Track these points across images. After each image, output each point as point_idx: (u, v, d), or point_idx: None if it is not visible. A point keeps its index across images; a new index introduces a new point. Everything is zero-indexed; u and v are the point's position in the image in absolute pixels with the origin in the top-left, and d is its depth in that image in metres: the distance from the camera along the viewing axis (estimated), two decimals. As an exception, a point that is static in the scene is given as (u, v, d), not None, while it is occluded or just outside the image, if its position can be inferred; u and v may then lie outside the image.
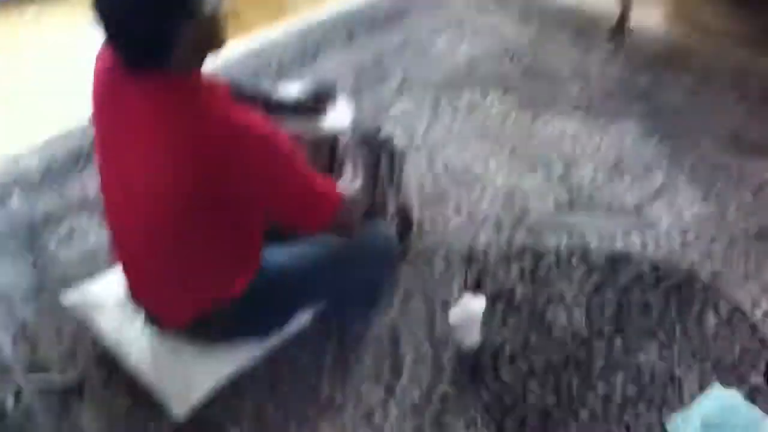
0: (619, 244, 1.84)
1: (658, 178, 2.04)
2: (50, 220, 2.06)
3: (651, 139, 2.17)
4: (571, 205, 1.98)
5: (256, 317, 1.54)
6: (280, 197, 1.35)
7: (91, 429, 1.51)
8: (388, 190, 1.75)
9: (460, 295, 1.64)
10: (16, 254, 1.96)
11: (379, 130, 1.75)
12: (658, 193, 1.98)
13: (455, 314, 1.59)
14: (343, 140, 1.67)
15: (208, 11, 1.24)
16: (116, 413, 1.54)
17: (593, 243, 1.84)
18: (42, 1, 3.29)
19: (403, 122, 2.35)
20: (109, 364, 1.62)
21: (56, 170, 2.26)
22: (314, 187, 1.35)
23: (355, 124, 1.76)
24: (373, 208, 1.71)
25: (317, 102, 1.77)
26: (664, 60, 2.53)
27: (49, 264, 1.92)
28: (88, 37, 1.30)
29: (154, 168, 1.28)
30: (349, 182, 1.48)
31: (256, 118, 1.29)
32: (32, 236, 2.01)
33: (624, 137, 2.19)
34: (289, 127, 1.67)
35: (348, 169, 1.53)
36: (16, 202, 2.15)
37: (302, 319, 1.65)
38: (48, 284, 1.85)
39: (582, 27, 2.77)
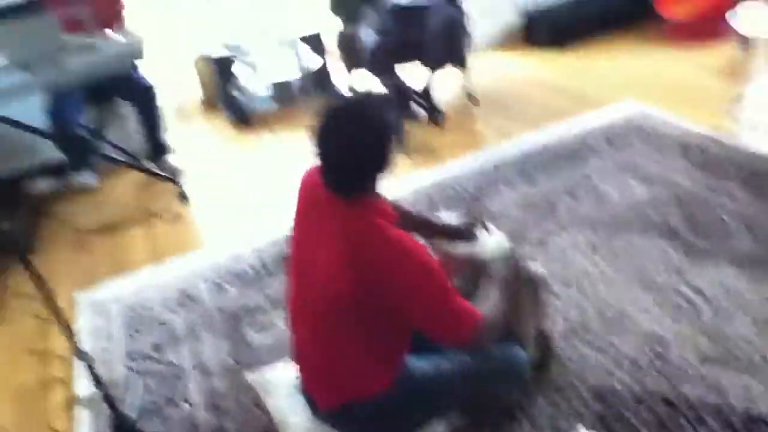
0: (762, 407, 1.82)
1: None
2: (253, 311, 2.51)
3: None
4: (715, 357, 1.98)
5: (393, 416, 1.77)
6: (422, 310, 1.59)
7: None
8: (529, 316, 1.92)
9: (574, 427, 1.74)
10: (221, 335, 2.42)
11: (525, 259, 1.92)
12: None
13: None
14: (492, 266, 1.88)
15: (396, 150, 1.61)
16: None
17: (732, 401, 1.84)
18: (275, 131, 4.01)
19: (561, 258, 2.52)
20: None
21: (265, 271, 2.74)
22: (454, 306, 1.58)
23: (506, 253, 1.98)
24: (512, 332, 1.91)
25: (472, 228, 2.04)
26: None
27: (244, 347, 2.34)
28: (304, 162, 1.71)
29: (329, 267, 1.60)
30: (491, 306, 1.68)
31: (411, 239, 1.60)
32: (236, 322, 2.46)
33: (784, 294, 2.16)
34: (445, 249, 1.96)
35: (491, 293, 1.73)
36: (232, 292, 2.64)
37: (436, 427, 1.86)
38: (240, 364, 2.26)
39: (757, 176, 2.77)
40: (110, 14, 3.43)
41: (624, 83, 3.87)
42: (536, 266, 2.00)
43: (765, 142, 3.01)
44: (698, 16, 4.17)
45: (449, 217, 2.09)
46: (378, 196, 1.67)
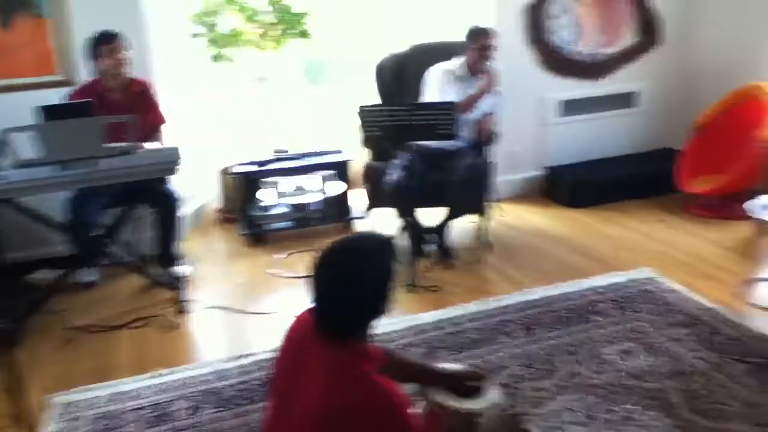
0: None
1: None
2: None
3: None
4: None
5: None
6: None
7: None
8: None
9: None
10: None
11: (520, 418, 1.85)
12: None
13: None
14: (483, 421, 1.83)
15: (393, 297, 1.59)
16: None
17: None
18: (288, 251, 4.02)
19: (555, 422, 2.40)
20: None
21: (248, 396, 2.64)
22: None
23: (499, 410, 1.92)
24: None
25: (469, 380, 1.98)
26: None
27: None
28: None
29: (306, 410, 1.55)
30: None
31: (393, 387, 1.56)
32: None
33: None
34: (437, 400, 1.91)
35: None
36: (208, 414, 2.54)
37: None
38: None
39: (764, 360, 2.67)
40: (151, 128, 3.59)
41: (640, 250, 3.87)
42: (531, 427, 1.92)
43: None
44: (718, 193, 4.22)
45: (450, 368, 2.05)
46: (368, 339, 1.64)
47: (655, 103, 5.11)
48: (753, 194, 3.56)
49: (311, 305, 1.61)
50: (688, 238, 4.02)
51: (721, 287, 3.33)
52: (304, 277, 3.62)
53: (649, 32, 4.94)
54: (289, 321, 1.77)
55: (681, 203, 4.46)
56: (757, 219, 3.33)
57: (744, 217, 3.76)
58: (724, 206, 4.16)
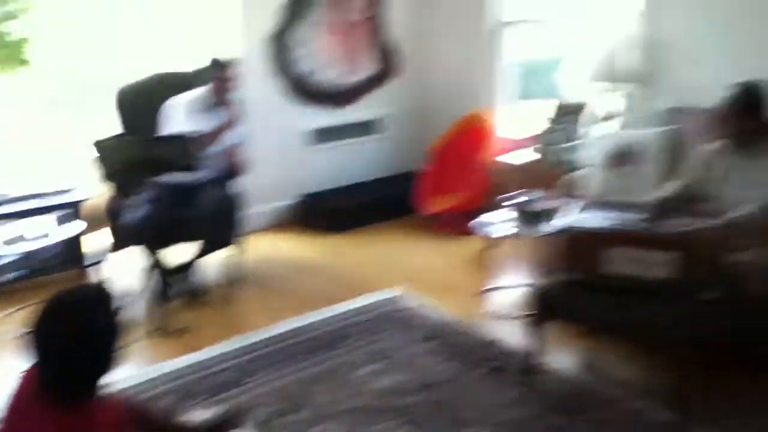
0: None
1: None
2: None
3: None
4: None
5: None
6: None
7: None
8: None
9: None
10: None
11: None
12: None
13: None
14: None
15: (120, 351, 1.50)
16: None
17: None
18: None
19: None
20: None
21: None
22: None
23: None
24: None
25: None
26: (567, 405, 2.62)
27: None
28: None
29: None
30: None
31: None
32: None
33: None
34: None
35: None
36: None
37: None
38: None
39: (499, 364, 2.92)
40: None
41: (390, 271, 4.04)
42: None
43: (507, 331, 3.20)
44: (454, 211, 4.56)
45: (202, 416, 1.95)
46: (101, 398, 1.52)
47: (397, 129, 5.42)
48: (482, 211, 3.90)
49: (35, 365, 1.47)
50: (431, 255, 4.30)
51: (460, 299, 3.59)
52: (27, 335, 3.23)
53: (387, 62, 5.25)
54: (14, 386, 1.56)
55: (425, 222, 4.76)
56: (482, 234, 3.66)
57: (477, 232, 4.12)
58: (461, 223, 4.52)
